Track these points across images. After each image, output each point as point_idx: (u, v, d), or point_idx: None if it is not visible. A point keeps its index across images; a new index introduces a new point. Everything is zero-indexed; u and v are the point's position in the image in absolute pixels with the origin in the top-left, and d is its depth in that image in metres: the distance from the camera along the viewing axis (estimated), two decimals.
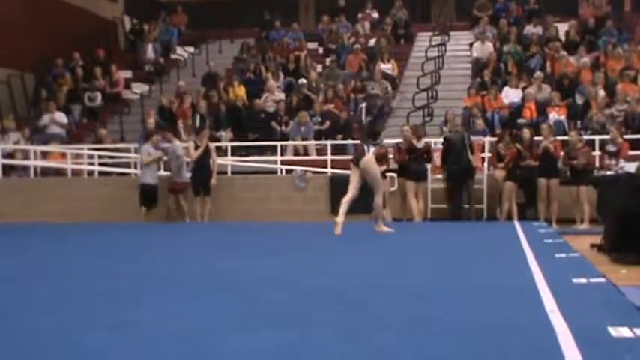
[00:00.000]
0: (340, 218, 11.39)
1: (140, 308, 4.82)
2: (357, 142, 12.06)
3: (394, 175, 15.25)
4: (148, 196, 15.55)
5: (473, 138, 15.69)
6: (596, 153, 15.09)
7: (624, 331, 3.86)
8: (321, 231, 11.64)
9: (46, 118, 19.79)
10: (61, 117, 19.88)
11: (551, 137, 14.80)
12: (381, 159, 14.99)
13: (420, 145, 15.13)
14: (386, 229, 11.73)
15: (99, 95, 21.60)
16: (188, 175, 15.62)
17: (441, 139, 15.96)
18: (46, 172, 18.24)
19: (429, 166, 15.51)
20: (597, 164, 14.67)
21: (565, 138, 15.46)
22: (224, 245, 10.30)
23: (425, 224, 14.72)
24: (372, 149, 11.68)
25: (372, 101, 12.36)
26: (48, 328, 4.14)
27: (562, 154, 14.75)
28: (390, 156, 14.90)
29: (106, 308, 4.83)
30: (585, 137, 15.37)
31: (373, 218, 11.94)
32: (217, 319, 4.42)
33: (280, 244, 10.41)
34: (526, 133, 15.15)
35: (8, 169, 18.25)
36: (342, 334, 3.93)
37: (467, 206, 15.15)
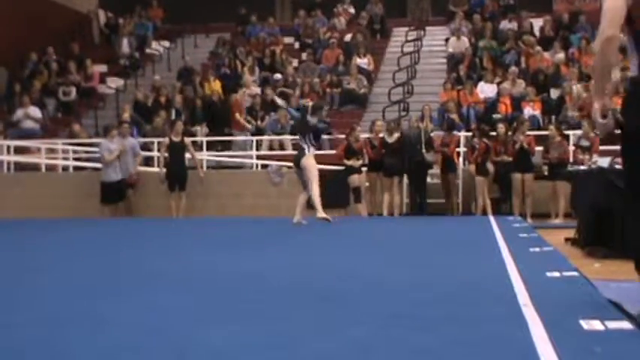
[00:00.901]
0: (297, 217, 11.77)
1: (115, 303, 4.80)
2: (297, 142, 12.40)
3: (365, 169, 15.31)
4: (112, 192, 15.38)
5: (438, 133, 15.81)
6: (572, 148, 15.19)
7: (596, 324, 3.89)
8: (294, 226, 11.63)
9: (19, 113, 19.63)
10: (35, 111, 19.72)
11: (525, 132, 14.88)
12: (356, 153, 15.10)
13: (392, 139, 15.18)
14: (303, 221, 11.99)
15: (73, 90, 21.45)
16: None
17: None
18: (20, 167, 18.09)
19: None
20: (571, 159, 14.76)
21: (542, 132, 15.54)
22: (199, 240, 10.28)
23: (399, 219, 14.76)
24: (312, 149, 12.19)
25: (318, 104, 12.70)
26: (23, 324, 4.11)
27: (540, 148, 14.84)
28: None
29: (81, 303, 4.81)
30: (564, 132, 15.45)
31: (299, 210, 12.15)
32: (191, 313, 4.42)
33: (255, 238, 10.40)
34: (501, 127, 15.22)
35: None
36: (317, 329, 3.94)
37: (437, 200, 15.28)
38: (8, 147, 17.99)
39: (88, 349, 3.49)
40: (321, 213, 11.91)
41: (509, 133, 15.12)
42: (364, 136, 15.79)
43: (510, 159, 14.75)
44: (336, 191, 14.76)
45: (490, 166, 14.91)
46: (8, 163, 17.88)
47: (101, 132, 17.55)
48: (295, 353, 3.40)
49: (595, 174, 8.74)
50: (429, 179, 15.77)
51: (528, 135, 14.98)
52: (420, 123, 16.01)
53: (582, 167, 10.46)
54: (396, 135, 15.26)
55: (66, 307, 4.66)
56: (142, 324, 4.08)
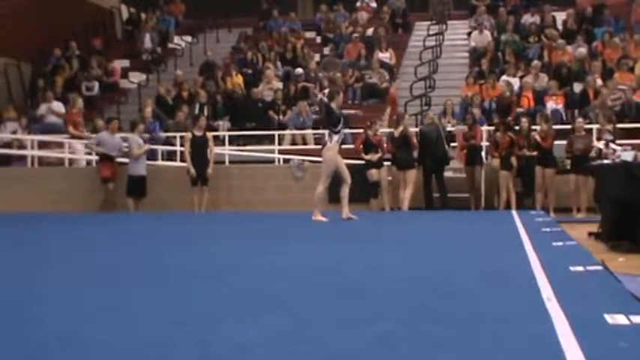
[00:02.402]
0: (345, 211, 11.74)
1: (139, 297, 4.84)
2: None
3: (388, 164, 15.30)
4: (138, 186, 15.56)
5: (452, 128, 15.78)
6: (597, 143, 15.09)
7: (620, 319, 3.88)
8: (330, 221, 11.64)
9: (43, 108, 19.75)
10: (58, 106, 19.83)
11: (545, 126, 14.78)
12: (374, 147, 15.08)
13: (397, 133, 15.16)
14: (321, 217, 11.80)
15: (96, 85, 21.56)
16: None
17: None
18: (43, 161, 18.22)
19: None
20: (594, 153, 14.66)
21: (562, 127, 15.46)
22: (222, 234, 10.32)
23: (420, 213, 14.73)
24: (335, 138, 11.93)
25: (335, 89, 12.62)
26: (47, 318, 4.15)
27: (562, 142, 14.77)
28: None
29: (105, 297, 4.84)
30: (586, 126, 15.35)
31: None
32: (215, 307, 4.44)
33: (278, 233, 10.42)
34: (524, 122, 15.16)
35: (6, 159, 18.25)
36: (340, 322, 3.95)
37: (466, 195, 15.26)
38: (32, 142, 18.12)
39: (112, 343, 3.52)
40: (316, 215, 11.74)
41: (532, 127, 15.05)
42: (385, 130, 15.78)
43: (533, 153, 14.68)
44: (356, 186, 14.76)
45: (514, 161, 14.85)
46: (32, 158, 18.01)
47: (124, 127, 17.65)
48: (320, 346, 3.42)
49: (618, 168, 8.68)
50: (451, 173, 15.75)
51: (548, 129, 14.89)
52: (437, 119, 15.98)
53: (606, 161, 10.39)
54: (401, 128, 15.19)
55: (90, 301, 4.69)
56: (166, 318, 4.11)
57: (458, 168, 15.66)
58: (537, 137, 14.59)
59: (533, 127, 15.06)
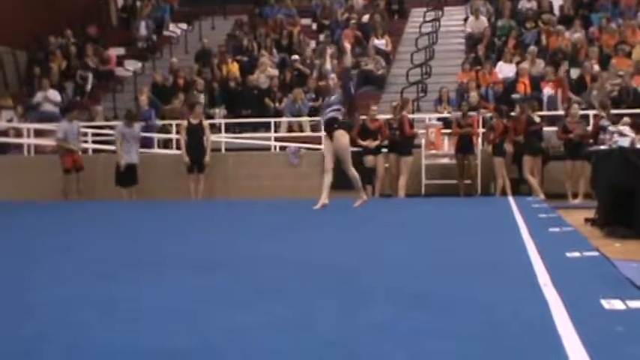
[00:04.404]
0: (362, 196, 11.89)
1: (135, 286, 4.83)
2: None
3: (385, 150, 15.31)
4: (128, 175, 15.53)
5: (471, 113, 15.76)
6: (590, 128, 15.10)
7: (617, 304, 3.88)
8: (313, 210, 11.62)
9: (39, 96, 19.72)
10: (54, 95, 19.81)
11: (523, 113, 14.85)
12: (372, 134, 15.07)
13: (396, 119, 15.17)
14: (364, 196, 11.86)
15: (90, 75, 21.50)
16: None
17: (432, 116, 16.10)
18: (40, 150, 18.20)
19: (422, 142, 15.57)
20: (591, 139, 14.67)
21: (558, 113, 15.47)
22: (219, 222, 10.32)
23: (416, 200, 14.74)
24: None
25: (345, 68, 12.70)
26: (44, 304, 4.15)
27: (554, 128, 14.80)
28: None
29: (101, 285, 4.84)
30: (581, 112, 15.36)
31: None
32: (211, 295, 4.44)
33: (275, 220, 10.42)
34: (518, 108, 15.20)
35: (3, 148, 18.23)
36: (337, 309, 3.94)
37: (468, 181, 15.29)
38: (28, 130, 18.08)
39: (108, 330, 3.52)
40: (323, 199, 11.63)
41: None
42: (383, 117, 15.77)
43: (521, 139, 14.67)
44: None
45: (508, 147, 14.85)
46: (28, 146, 17.98)
47: (120, 115, 17.64)
48: (316, 334, 3.41)
49: (615, 154, 8.68)
50: (446, 160, 15.78)
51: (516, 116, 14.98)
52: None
53: (602, 147, 10.39)
54: (401, 114, 15.19)
55: (86, 289, 4.69)
56: (163, 307, 4.10)
57: (451, 154, 15.67)
58: (537, 119, 14.63)
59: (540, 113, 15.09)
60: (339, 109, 11.72)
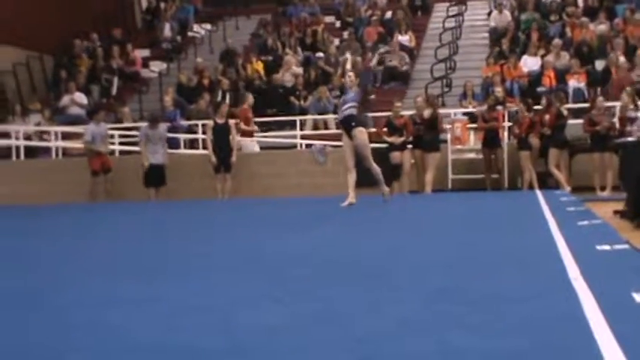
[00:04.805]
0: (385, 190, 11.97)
1: (164, 284, 4.86)
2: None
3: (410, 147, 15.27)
4: (157, 175, 15.61)
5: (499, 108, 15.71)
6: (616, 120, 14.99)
7: None
8: (340, 204, 11.62)
9: (65, 99, 19.90)
10: (80, 97, 19.98)
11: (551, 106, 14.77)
12: (397, 130, 15.05)
13: (427, 114, 15.10)
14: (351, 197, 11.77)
15: (115, 79, 21.66)
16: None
17: (458, 111, 16.04)
18: (67, 152, 18.34)
19: (449, 137, 15.53)
20: (618, 130, 14.57)
21: (584, 105, 15.37)
22: (246, 221, 10.34)
23: (444, 195, 14.69)
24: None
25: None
26: (71, 305, 4.18)
27: (579, 121, 14.71)
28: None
29: (129, 285, 4.87)
30: (607, 104, 15.24)
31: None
32: (240, 293, 4.45)
33: (301, 218, 10.43)
34: (545, 101, 15.13)
35: (32, 151, 18.39)
36: (365, 305, 3.94)
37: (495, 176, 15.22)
38: (56, 133, 18.23)
39: (137, 329, 3.54)
40: (350, 197, 11.64)
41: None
42: (407, 113, 15.74)
43: (549, 132, 14.59)
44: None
45: (535, 140, 14.76)
46: (56, 149, 18.13)
47: (146, 116, 17.74)
48: (345, 330, 3.41)
49: None
50: (473, 155, 15.75)
51: (542, 109, 14.91)
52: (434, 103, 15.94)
53: (630, 139, 10.31)
54: (430, 110, 15.14)
55: (114, 289, 4.72)
56: (192, 304, 4.12)
57: (477, 149, 15.62)
58: (535, 118, 14.59)
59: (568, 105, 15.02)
60: (355, 107, 11.76)
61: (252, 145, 17.06)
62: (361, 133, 11.70)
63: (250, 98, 17.20)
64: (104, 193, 15.90)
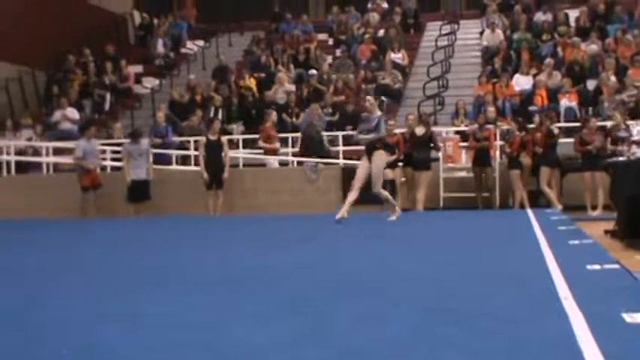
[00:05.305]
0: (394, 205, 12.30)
1: (154, 301, 4.84)
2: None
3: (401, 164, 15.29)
4: (140, 191, 15.60)
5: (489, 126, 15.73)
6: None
7: (639, 318, 3.85)
8: (333, 222, 11.62)
9: (57, 115, 19.86)
10: (72, 113, 19.94)
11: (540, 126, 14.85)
12: (390, 148, 15.06)
13: (421, 132, 15.13)
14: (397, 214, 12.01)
15: (107, 95, 21.64)
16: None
17: (450, 129, 16.11)
18: (59, 168, 18.29)
19: (440, 155, 15.55)
20: (609, 150, 14.61)
21: (576, 124, 15.43)
22: (238, 237, 10.32)
23: (435, 213, 14.70)
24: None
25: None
26: (58, 322, 4.16)
27: (570, 140, 14.78)
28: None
29: (117, 301, 4.85)
30: (598, 123, 15.30)
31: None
32: (229, 310, 4.44)
33: (294, 235, 10.42)
34: (537, 120, 15.17)
35: (23, 167, 18.33)
36: (355, 323, 3.94)
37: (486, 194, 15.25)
38: (47, 148, 18.19)
39: (124, 346, 3.52)
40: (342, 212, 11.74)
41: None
42: (399, 130, 15.76)
43: (540, 151, 14.63)
44: (371, 188, 14.74)
45: (526, 159, 14.80)
46: (47, 165, 18.09)
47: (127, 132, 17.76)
48: (334, 349, 3.40)
49: (634, 165, 8.63)
50: (464, 173, 15.79)
51: (534, 128, 14.96)
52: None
53: (621, 158, 10.34)
54: (424, 129, 15.18)
55: (98, 306, 4.70)
56: (179, 322, 4.11)
57: (468, 167, 15.65)
58: (526, 137, 14.65)
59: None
60: (380, 132, 12.10)
61: (274, 162, 17.12)
62: (380, 157, 11.94)
63: (273, 116, 17.28)
64: (94, 209, 15.86)
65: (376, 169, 11.89)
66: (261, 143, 16.73)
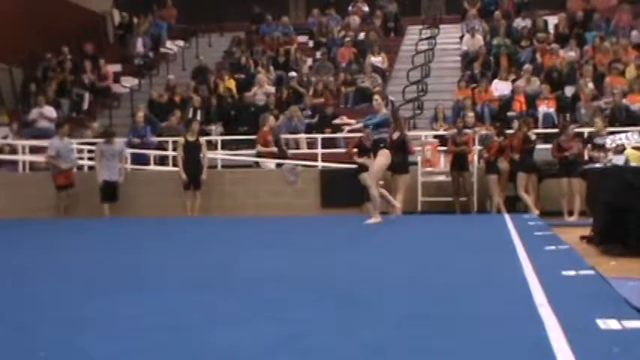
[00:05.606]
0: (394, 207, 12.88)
1: (131, 303, 4.82)
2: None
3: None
4: (110, 192, 15.52)
5: (467, 130, 15.77)
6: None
7: (612, 324, 3.88)
8: (312, 224, 11.64)
9: (34, 113, 19.71)
10: (49, 111, 19.80)
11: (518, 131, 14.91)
12: (368, 151, 15.09)
13: (395, 136, 15.15)
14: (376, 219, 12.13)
15: (87, 94, 21.51)
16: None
17: (429, 133, 16.15)
18: (35, 167, 18.16)
19: (418, 159, 15.58)
20: (586, 156, 14.72)
21: (554, 130, 15.52)
22: (215, 239, 10.30)
23: (413, 217, 14.73)
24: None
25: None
26: (37, 326, 4.13)
27: (548, 146, 14.85)
28: None
29: (94, 303, 4.82)
30: (576, 130, 15.40)
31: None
32: (208, 313, 4.43)
33: (271, 238, 10.41)
34: (516, 126, 15.24)
35: None
36: (332, 329, 3.94)
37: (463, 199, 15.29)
38: (23, 147, 18.06)
39: (104, 350, 3.51)
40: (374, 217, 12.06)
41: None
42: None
43: (517, 157, 14.69)
44: (349, 190, 14.78)
45: (504, 164, 14.87)
46: (23, 163, 17.96)
47: (116, 132, 17.63)
48: (310, 354, 3.41)
49: (610, 172, 8.70)
50: (442, 177, 15.83)
51: (512, 133, 15.02)
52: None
53: (597, 165, 10.42)
54: (398, 133, 15.20)
55: (81, 308, 4.68)
56: (155, 324, 4.09)
57: (446, 172, 15.69)
58: (504, 142, 14.71)
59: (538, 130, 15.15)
60: (387, 131, 12.45)
61: (271, 165, 17.08)
62: (381, 156, 12.18)
63: (271, 120, 17.25)
64: (69, 209, 15.76)
65: (376, 167, 12.19)
66: (259, 147, 16.71)
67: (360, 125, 12.80)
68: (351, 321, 4.16)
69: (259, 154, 16.70)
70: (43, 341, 3.72)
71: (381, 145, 12.20)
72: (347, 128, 14.14)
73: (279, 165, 16.68)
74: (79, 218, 15.28)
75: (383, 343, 3.58)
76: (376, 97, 12.80)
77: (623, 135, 9.99)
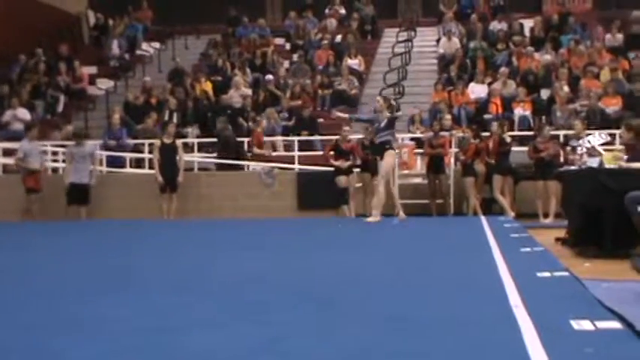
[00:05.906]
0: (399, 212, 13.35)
1: (109, 306, 4.79)
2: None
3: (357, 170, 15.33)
4: (80, 194, 15.41)
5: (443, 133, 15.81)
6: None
7: (586, 325, 3.91)
8: (289, 227, 11.62)
9: (8, 115, 19.54)
10: (23, 113, 19.62)
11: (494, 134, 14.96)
12: (344, 154, 15.11)
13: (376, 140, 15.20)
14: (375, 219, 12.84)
15: (62, 96, 21.36)
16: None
17: (405, 136, 16.23)
18: (8, 169, 17.98)
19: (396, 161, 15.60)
20: (562, 159, 14.79)
21: (529, 133, 15.59)
22: (192, 242, 10.25)
23: (390, 219, 14.74)
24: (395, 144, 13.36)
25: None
26: (12, 328, 4.09)
27: (524, 148, 14.92)
28: None
29: (75, 306, 4.78)
30: (552, 132, 15.48)
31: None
32: (186, 316, 4.40)
33: (249, 240, 10.38)
34: (493, 128, 15.32)
35: None
36: (310, 331, 3.93)
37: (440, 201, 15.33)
38: None
39: (78, 353, 3.47)
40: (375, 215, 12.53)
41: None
42: (355, 137, 15.79)
43: (492, 160, 14.74)
44: (326, 193, 14.78)
45: (480, 167, 14.92)
46: None
47: (91, 134, 17.54)
48: (288, 358, 3.39)
49: (585, 174, 8.76)
50: (419, 180, 15.87)
51: (488, 136, 15.07)
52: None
53: (572, 167, 10.47)
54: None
55: (58, 310, 4.64)
56: (136, 326, 4.07)
57: (423, 174, 15.73)
58: (481, 145, 14.77)
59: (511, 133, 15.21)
60: (390, 134, 13.04)
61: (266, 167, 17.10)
62: (390, 156, 12.85)
63: (263, 122, 17.31)
64: (38, 211, 15.61)
65: (386, 166, 12.85)
66: (255, 150, 16.68)
67: (346, 116, 13.93)
68: (331, 324, 4.15)
69: (254, 156, 16.66)
70: (15, 344, 3.68)
71: (387, 146, 12.84)
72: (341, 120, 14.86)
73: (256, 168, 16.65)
74: (54, 221, 15.16)
75: (361, 346, 3.58)
76: (378, 98, 13.24)
77: (588, 137, 10.06)
